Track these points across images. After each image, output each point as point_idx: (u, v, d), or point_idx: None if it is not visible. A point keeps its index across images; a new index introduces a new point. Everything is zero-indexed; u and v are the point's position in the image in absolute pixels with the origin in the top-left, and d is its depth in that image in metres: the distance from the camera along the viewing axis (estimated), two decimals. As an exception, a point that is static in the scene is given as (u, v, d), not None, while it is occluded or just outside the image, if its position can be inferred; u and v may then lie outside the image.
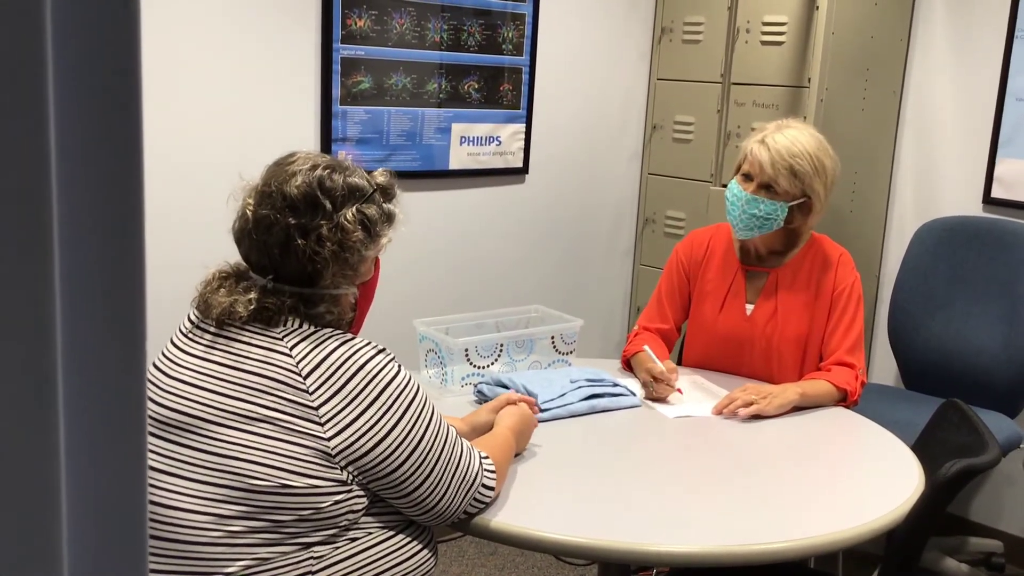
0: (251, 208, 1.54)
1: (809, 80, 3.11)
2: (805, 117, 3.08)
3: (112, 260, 0.40)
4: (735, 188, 2.35)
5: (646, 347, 2.32)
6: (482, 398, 2.15)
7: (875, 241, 3.47)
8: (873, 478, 1.94)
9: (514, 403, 1.91)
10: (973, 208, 3.27)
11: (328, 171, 1.55)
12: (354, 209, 1.54)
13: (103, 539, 0.44)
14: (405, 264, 3.08)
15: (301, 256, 1.51)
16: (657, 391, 2.23)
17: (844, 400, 2.30)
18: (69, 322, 0.39)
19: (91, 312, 0.40)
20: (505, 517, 1.61)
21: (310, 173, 1.54)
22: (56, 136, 0.38)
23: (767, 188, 2.31)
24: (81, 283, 0.39)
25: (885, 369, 3.49)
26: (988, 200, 3.24)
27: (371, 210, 1.57)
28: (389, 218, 1.62)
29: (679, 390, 2.24)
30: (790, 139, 2.29)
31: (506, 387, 2.13)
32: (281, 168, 1.56)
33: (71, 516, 0.41)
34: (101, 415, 0.42)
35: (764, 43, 3.25)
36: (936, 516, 1.81)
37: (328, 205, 1.52)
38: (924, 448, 2.06)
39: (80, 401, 0.40)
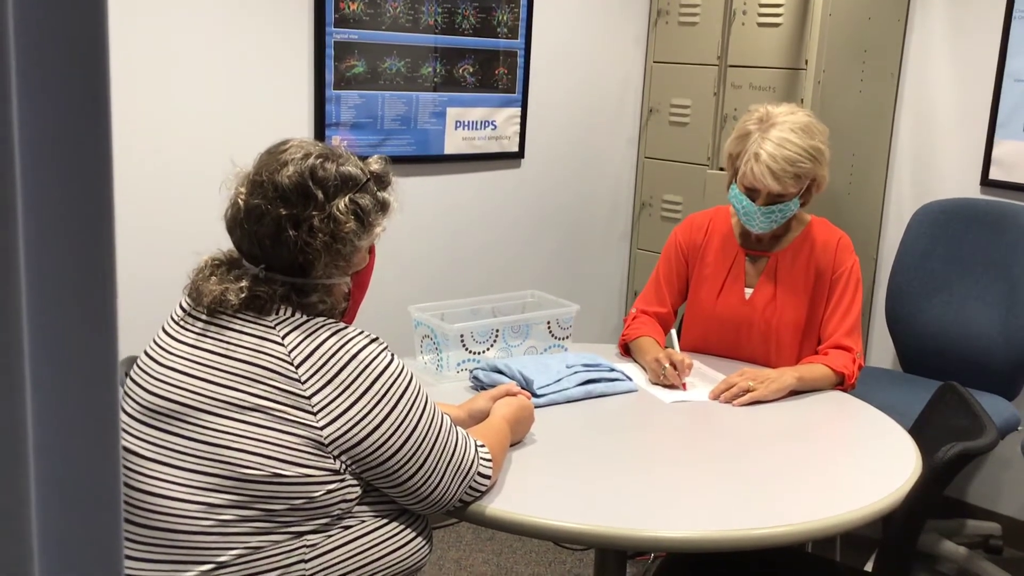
0: (243, 197, 1.53)
1: (806, 62, 3.09)
2: (802, 100, 3.06)
3: (80, 247, 0.39)
4: (743, 201, 2.30)
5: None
6: (478, 384, 2.14)
7: (873, 224, 3.46)
8: (870, 462, 1.93)
9: (514, 395, 1.90)
10: (971, 190, 3.26)
11: (321, 160, 1.53)
12: (347, 199, 1.52)
13: (75, 530, 0.43)
14: (400, 250, 3.07)
15: (292, 247, 1.49)
16: (668, 377, 2.21)
17: (841, 384, 2.29)
18: (36, 312, 0.38)
19: (60, 302, 0.39)
20: (501, 503, 1.60)
21: (302, 162, 1.52)
22: (19, 123, 0.37)
23: (777, 195, 2.28)
24: (49, 271, 0.38)
25: (883, 352, 3.48)
26: (986, 182, 3.22)
27: (365, 200, 1.55)
28: (383, 207, 1.60)
29: (684, 385, 2.22)
30: (780, 142, 2.22)
31: (502, 373, 2.12)
32: (273, 157, 1.54)
33: (40, 506, 0.40)
34: (72, 406, 0.41)
35: (761, 25, 3.23)
36: (933, 499, 1.81)
37: (320, 195, 1.50)
38: (921, 431, 2.06)
39: (50, 392, 0.39)
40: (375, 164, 1.61)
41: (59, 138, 0.39)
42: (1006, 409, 2.92)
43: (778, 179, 2.23)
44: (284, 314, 1.50)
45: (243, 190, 1.53)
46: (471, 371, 2.19)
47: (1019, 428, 2.93)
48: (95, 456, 0.43)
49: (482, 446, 1.62)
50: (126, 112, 2.50)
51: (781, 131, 2.24)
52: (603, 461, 1.84)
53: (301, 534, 1.46)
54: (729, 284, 2.45)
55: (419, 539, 1.59)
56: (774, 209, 2.29)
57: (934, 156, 3.35)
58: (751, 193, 2.30)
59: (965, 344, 3.09)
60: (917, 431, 2.07)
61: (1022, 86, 3.11)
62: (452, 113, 3.13)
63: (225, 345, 1.49)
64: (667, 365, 2.21)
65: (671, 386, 2.21)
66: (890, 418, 2.15)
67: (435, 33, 3.02)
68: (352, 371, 1.46)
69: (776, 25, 3.18)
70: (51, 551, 0.43)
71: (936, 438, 1.90)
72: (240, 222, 1.53)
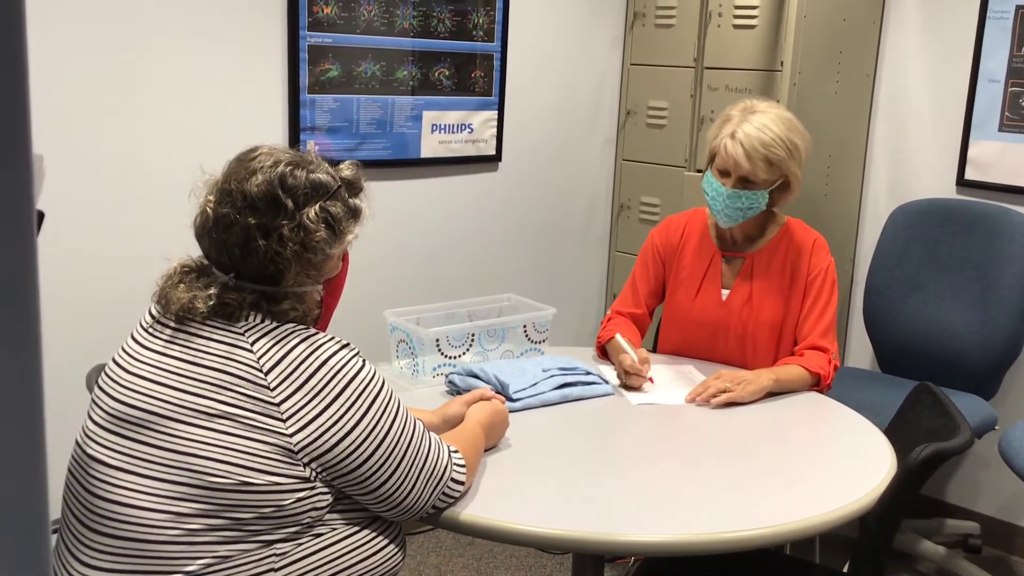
0: (211, 206, 1.51)
1: (782, 64, 3.09)
2: (778, 100, 3.06)
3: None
4: (714, 183, 2.32)
5: (618, 335, 2.30)
6: (453, 388, 2.13)
7: (850, 224, 3.47)
8: (846, 462, 1.93)
9: (488, 399, 1.89)
10: (947, 190, 3.27)
11: (290, 168, 1.51)
12: (317, 207, 1.50)
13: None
14: (376, 254, 3.05)
15: (262, 256, 1.48)
16: (630, 383, 2.22)
17: (817, 384, 2.29)
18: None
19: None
20: (476, 509, 1.59)
21: (271, 170, 1.50)
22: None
23: (746, 180, 2.28)
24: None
25: (860, 352, 3.49)
26: (962, 182, 3.24)
27: (335, 207, 1.53)
28: (355, 214, 1.58)
29: (651, 379, 2.22)
30: (759, 127, 2.26)
31: (478, 377, 2.11)
32: (242, 164, 1.52)
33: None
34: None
35: (736, 27, 3.23)
36: (909, 500, 1.81)
37: (290, 204, 1.48)
38: (897, 432, 2.06)
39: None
40: (346, 170, 1.59)
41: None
42: (983, 409, 2.93)
43: (750, 159, 2.24)
44: (253, 321, 1.49)
45: (212, 198, 1.51)
46: (447, 376, 2.18)
47: (996, 427, 2.94)
48: (17, 482, 0.41)
49: (456, 452, 1.61)
50: (96, 116, 2.47)
51: (763, 118, 2.28)
52: (579, 465, 1.83)
53: (270, 543, 1.44)
54: (706, 286, 2.45)
55: (391, 546, 1.58)
56: (741, 195, 2.29)
57: (910, 157, 3.36)
58: (723, 178, 2.31)
59: (942, 344, 3.10)
60: (892, 431, 2.07)
61: (997, 86, 3.12)
62: (428, 117, 3.12)
63: (194, 352, 1.47)
64: (623, 369, 2.22)
65: (640, 389, 2.21)
66: (865, 418, 2.15)
67: (410, 36, 3.01)
68: (322, 378, 1.45)
69: (751, 27, 3.19)
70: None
71: (911, 439, 1.90)
72: (209, 231, 1.51)
